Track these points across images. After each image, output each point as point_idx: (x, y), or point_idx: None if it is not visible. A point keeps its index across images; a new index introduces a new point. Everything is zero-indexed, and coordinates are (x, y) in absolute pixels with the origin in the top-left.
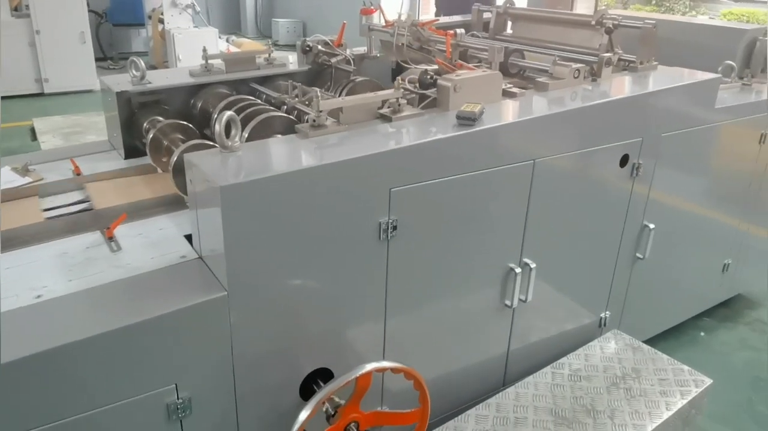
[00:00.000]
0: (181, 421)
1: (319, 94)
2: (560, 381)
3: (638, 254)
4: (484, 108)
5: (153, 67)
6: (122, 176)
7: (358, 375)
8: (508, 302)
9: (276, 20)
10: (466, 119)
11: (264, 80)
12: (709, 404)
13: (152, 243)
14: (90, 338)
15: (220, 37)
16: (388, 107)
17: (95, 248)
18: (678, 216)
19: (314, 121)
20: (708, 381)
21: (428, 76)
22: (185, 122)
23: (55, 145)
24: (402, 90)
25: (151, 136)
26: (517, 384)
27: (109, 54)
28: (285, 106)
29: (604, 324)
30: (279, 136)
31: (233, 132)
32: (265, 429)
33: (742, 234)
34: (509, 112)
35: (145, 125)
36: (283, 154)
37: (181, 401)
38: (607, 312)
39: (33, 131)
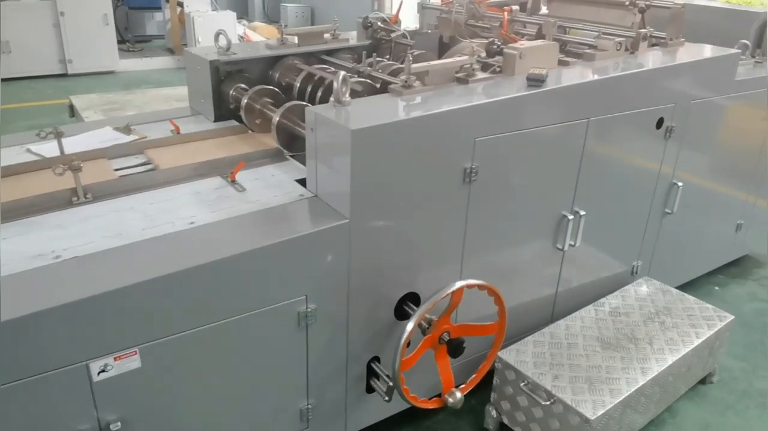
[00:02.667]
0: (307, 328)
1: (411, 58)
2: (603, 316)
3: (667, 210)
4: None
5: (170, 50)
6: (219, 136)
7: (453, 290)
8: (559, 246)
9: (285, 5)
10: (536, 81)
11: (329, 53)
12: (726, 344)
13: (270, 185)
14: (240, 254)
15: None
16: (463, 72)
17: (222, 189)
18: (701, 177)
19: (405, 82)
20: (730, 317)
21: (495, 46)
22: (274, 88)
23: (97, 120)
24: (476, 57)
25: (245, 100)
26: (565, 317)
27: (125, 37)
28: (359, 74)
29: (636, 272)
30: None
31: (344, 89)
32: (366, 341)
33: (753, 198)
34: (568, 76)
35: (231, 92)
36: (387, 107)
37: (309, 310)
38: (639, 261)
39: (71, 107)
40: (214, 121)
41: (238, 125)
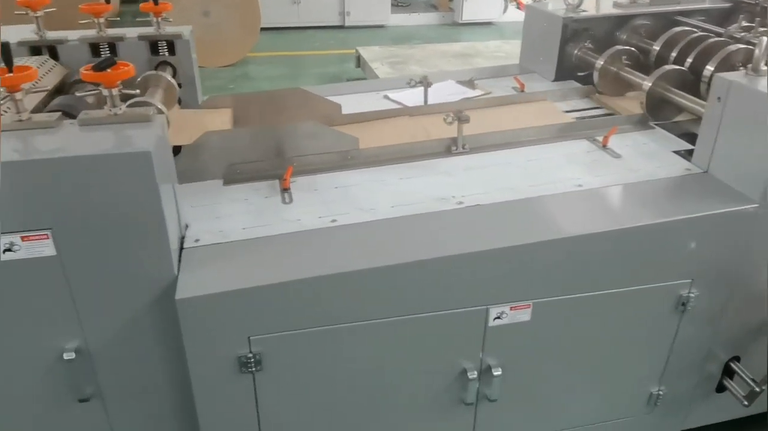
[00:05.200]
0: (682, 313)
1: None
2: None
3: None
4: None
5: (434, 7)
6: (565, 97)
7: None
8: None
9: None
10: None
11: (683, 14)
12: None
13: (644, 154)
14: (644, 226)
15: None
16: None
17: (594, 153)
18: None
19: None
20: None
21: None
22: (632, 49)
23: (385, 72)
24: None
25: (601, 62)
26: None
27: None
28: (732, 39)
29: None
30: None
31: (765, 56)
32: (731, 339)
33: None
34: None
35: (576, 51)
36: None
37: (692, 295)
38: None
39: (358, 58)
40: (553, 80)
41: (581, 86)
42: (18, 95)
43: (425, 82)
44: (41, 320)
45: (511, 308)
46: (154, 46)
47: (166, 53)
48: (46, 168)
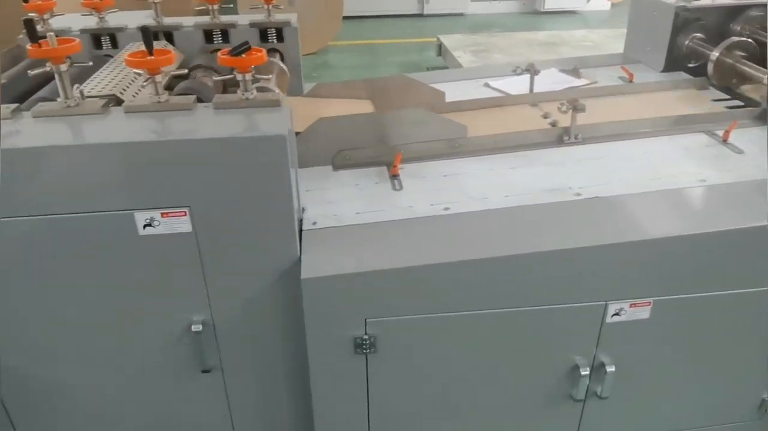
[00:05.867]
0: None
1: None
2: None
3: None
4: None
5: None
6: (676, 88)
7: None
8: None
9: None
10: None
11: None
12: None
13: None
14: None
15: None
16: None
17: (713, 147)
18: None
19: None
20: None
21: None
22: (749, 40)
23: (467, 60)
24: None
25: (717, 53)
26: None
27: None
28: None
29: None
30: None
31: None
32: None
33: None
34: None
35: (687, 41)
36: None
37: None
38: None
39: (440, 46)
40: (662, 71)
41: (692, 77)
42: (158, 78)
43: (532, 70)
44: (174, 293)
45: (630, 306)
46: (263, 33)
47: (275, 40)
48: (185, 148)
